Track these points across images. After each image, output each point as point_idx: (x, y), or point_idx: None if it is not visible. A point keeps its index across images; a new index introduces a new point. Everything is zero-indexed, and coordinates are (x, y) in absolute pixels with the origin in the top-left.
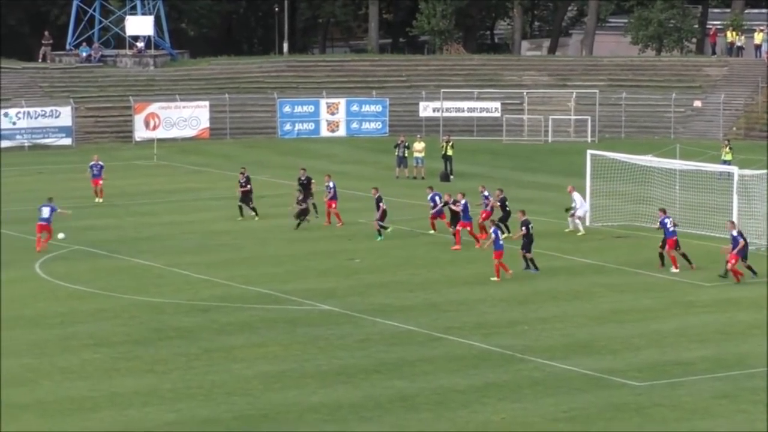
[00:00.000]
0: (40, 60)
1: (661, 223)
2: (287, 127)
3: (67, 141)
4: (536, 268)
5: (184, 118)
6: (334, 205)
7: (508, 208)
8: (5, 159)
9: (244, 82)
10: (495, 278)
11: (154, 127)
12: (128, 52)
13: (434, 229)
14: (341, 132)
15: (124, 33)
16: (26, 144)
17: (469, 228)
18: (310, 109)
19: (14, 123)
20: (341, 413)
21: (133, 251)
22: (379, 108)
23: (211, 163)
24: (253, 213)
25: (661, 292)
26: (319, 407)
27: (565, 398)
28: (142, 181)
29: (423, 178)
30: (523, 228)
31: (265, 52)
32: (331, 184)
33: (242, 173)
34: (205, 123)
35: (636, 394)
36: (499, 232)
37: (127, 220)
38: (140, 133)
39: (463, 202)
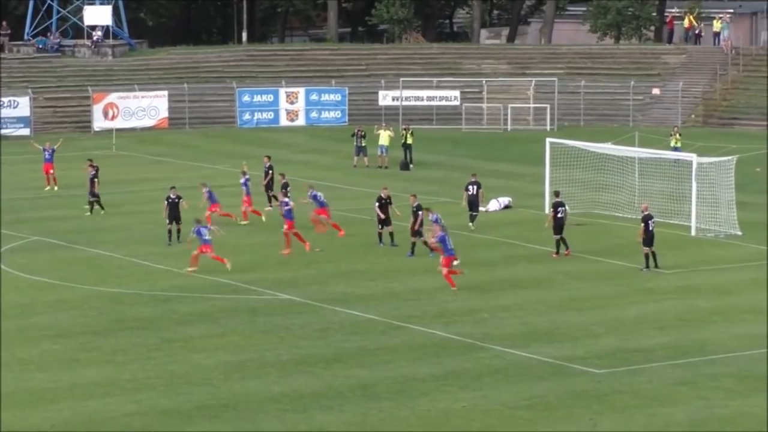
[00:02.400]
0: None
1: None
2: (246, 116)
3: (26, 131)
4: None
5: (142, 107)
6: (325, 215)
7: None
8: None
9: (203, 71)
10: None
11: (113, 117)
12: (86, 42)
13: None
14: (300, 121)
15: (83, 23)
16: None
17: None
18: (270, 98)
19: None
20: (302, 403)
21: (93, 242)
22: (338, 97)
23: (171, 152)
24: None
25: (621, 279)
26: (280, 397)
27: (526, 386)
28: (102, 171)
29: (387, 167)
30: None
31: (224, 42)
32: (317, 194)
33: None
34: (164, 113)
35: (596, 381)
36: (447, 238)
37: (87, 210)
38: (99, 123)
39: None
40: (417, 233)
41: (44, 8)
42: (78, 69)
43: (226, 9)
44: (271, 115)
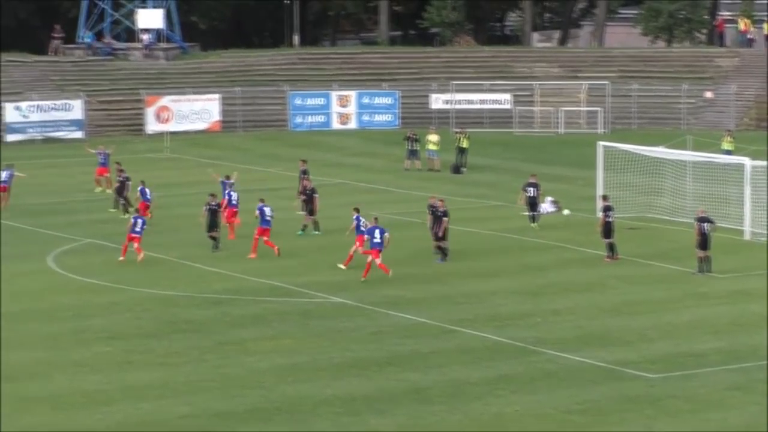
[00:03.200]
0: (51, 53)
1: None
2: (298, 119)
3: (79, 134)
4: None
5: (195, 110)
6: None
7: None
8: (17, 152)
9: (255, 74)
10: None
11: (166, 120)
12: (139, 45)
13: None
14: (352, 124)
15: (135, 26)
16: (38, 137)
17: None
18: (321, 101)
19: (26, 116)
20: (355, 406)
21: (146, 244)
22: (389, 100)
23: (223, 155)
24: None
25: (674, 283)
26: (333, 400)
27: (579, 390)
28: (154, 174)
29: (438, 170)
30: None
31: (276, 45)
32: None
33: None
34: (216, 116)
35: (649, 386)
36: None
37: (120, 212)
38: (152, 126)
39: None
40: (442, 236)
41: (97, 12)
42: (131, 72)
43: (278, 12)
44: (323, 119)
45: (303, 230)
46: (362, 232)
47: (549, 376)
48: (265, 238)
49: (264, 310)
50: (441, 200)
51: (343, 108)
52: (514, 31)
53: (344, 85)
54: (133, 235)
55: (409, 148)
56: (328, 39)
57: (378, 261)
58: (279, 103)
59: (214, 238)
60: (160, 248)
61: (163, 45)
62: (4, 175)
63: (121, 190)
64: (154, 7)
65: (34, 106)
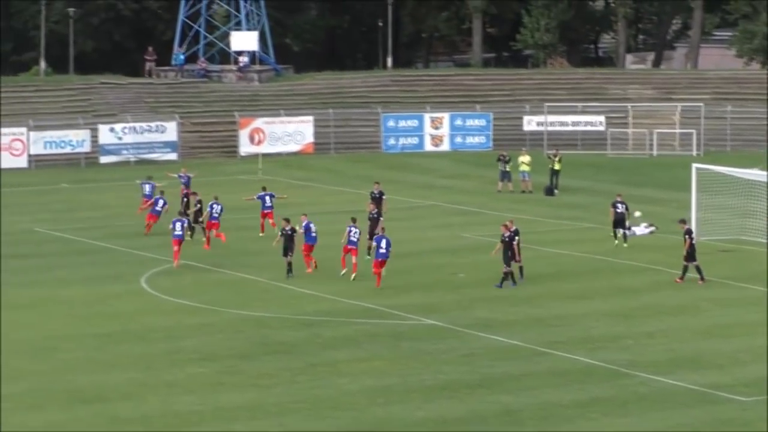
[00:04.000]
0: (146, 75)
1: None
2: (391, 141)
3: (173, 156)
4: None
5: (288, 132)
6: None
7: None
8: (111, 173)
9: (348, 96)
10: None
11: (259, 142)
12: (233, 67)
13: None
14: (445, 146)
15: (229, 48)
16: (132, 159)
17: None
18: (414, 123)
19: (120, 138)
20: (446, 428)
21: (238, 265)
22: (483, 122)
23: (316, 177)
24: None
25: None
26: (424, 422)
27: (672, 413)
28: (247, 196)
29: (531, 191)
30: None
31: (369, 67)
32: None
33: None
34: (310, 137)
35: (743, 410)
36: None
37: (232, 234)
38: (245, 147)
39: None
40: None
41: (191, 34)
42: (224, 94)
43: (371, 34)
44: (415, 141)
45: (369, 254)
46: (351, 242)
47: (641, 399)
48: (304, 254)
49: (356, 331)
50: (509, 222)
51: (436, 130)
52: (608, 52)
53: (437, 107)
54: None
55: (502, 169)
56: (421, 61)
57: (377, 269)
58: (372, 125)
59: (289, 264)
60: (252, 270)
61: (257, 67)
62: (148, 188)
63: (198, 215)
64: (249, 29)
65: (128, 127)
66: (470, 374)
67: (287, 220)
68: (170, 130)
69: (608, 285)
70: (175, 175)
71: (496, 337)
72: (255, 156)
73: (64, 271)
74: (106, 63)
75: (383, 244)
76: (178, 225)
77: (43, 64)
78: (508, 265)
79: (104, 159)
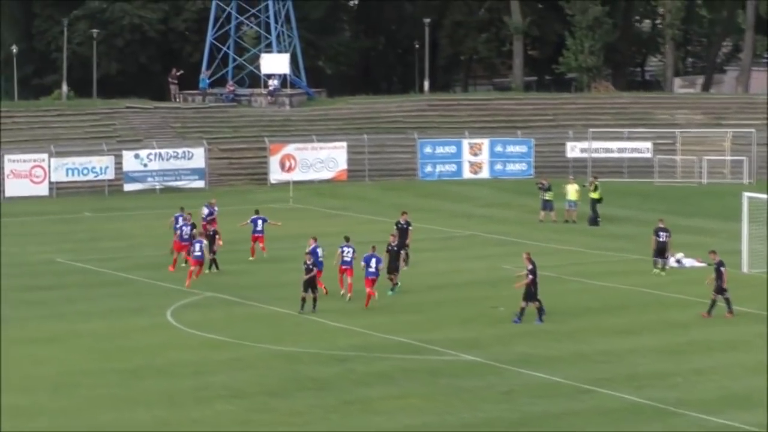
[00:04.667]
0: (172, 99)
1: None
2: (428, 168)
3: (200, 183)
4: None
5: (320, 159)
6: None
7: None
8: (136, 201)
9: (383, 121)
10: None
11: (290, 169)
12: (263, 91)
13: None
14: (484, 173)
15: (259, 71)
16: (157, 186)
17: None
18: (452, 149)
19: (145, 165)
20: None
21: (269, 298)
22: (524, 148)
23: (349, 206)
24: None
25: None
26: None
27: None
28: (279, 226)
29: (574, 221)
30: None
31: (405, 91)
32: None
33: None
34: (343, 164)
35: None
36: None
37: (262, 265)
38: (275, 175)
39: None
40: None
41: (220, 56)
42: (254, 119)
43: (407, 57)
44: (453, 168)
45: (392, 289)
46: (345, 262)
47: None
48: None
49: (391, 367)
50: (529, 258)
51: (475, 156)
52: (655, 76)
53: (476, 132)
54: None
55: (542, 198)
56: (460, 84)
57: (368, 289)
58: (408, 151)
59: (303, 300)
60: (283, 302)
61: (288, 91)
62: (206, 211)
63: (211, 245)
64: (280, 51)
65: (153, 154)
66: (510, 412)
67: (308, 254)
68: (197, 157)
69: (656, 319)
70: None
71: (537, 373)
72: (286, 183)
73: (86, 304)
74: (130, 86)
75: (372, 263)
76: (197, 246)
77: (65, 88)
78: (532, 301)
79: (128, 186)
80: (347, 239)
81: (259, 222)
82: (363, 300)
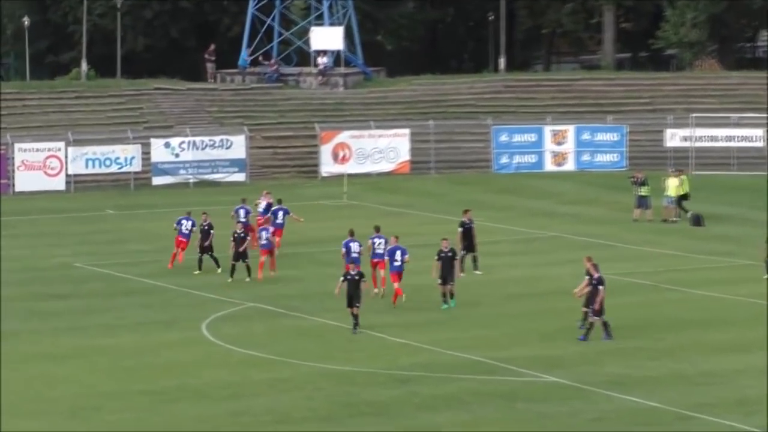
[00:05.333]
0: (208, 80)
1: None
2: (504, 159)
3: (240, 176)
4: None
5: (379, 149)
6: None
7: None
8: (165, 197)
9: (451, 105)
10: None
11: (344, 160)
12: (313, 70)
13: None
14: (569, 165)
15: (309, 47)
16: (191, 180)
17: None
18: (532, 137)
19: (177, 155)
20: None
21: (319, 309)
22: (615, 136)
23: (412, 203)
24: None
25: None
26: None
27: None
28: (330, 225)
29: (675, 221)
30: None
31: (478, 70)
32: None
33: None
34: (405, 155)
35: None
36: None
37: (312, 271)
38: (327, 167)
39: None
40: (596, 311)
41: (263, 30)
42: (303, 102)
43: (480, 31)
44: (533, 158)
45: (445, 302)
46: (377, 255)
47: None
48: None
49: (460, 390)
50: (593, 264)
51: (559, 146)
52: None
53: (560, 118)
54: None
55: (637, 193)
56: (541, 62)
57: (396, 285)
58: (481, 139)
59: (355, 317)
60: (335, 314)
61: (342, 70)
62: (242, 214)
63: (204, 244)
64: (332, 24)
65: (186, 142)
66: None
67: (353, 263)
68: (237, 146)
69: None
70: (261, 203)
71: (630, 397)
72: (339, 177)
73: (108, 315)
74: (160, 64)
75: (398, 255)
76: (263, 234)
77: (84, 66)
78: (595, 314)
79: (157, 180)
80: (377, 229)
81: (280, 213)
82: (419, 309)
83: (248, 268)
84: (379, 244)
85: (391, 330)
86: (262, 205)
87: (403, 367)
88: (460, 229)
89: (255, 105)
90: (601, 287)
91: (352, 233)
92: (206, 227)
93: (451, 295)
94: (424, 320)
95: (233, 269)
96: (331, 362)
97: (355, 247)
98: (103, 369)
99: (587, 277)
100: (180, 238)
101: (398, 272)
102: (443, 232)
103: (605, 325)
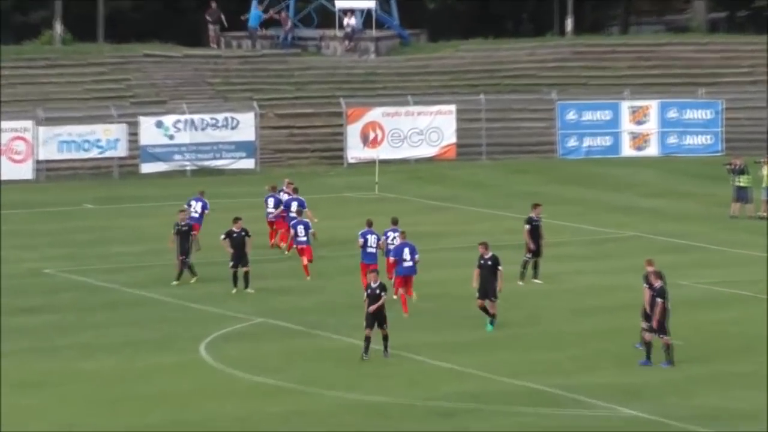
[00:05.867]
0: (209, 45)
1: None
2: (572, 142)
3: (249, 163)
4: None
5: (419, 129)
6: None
7: None
8: (157, 188)
9: (508, 76)
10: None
11: (375, 143)
12: (338, 33)
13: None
14: (652, 149)
15: (333, 5)
16: (188, 167)
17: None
18: (606, 115)
19: (172, 137)
20: None
21: (343, 326)
22: (708, 114)
23: (459, 195)
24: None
25: None
26: None
27: None
28: (357, 223)
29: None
30: None
31: (539, 33)
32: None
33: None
34: (451, 137)
35: None
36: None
37: (336, 280)
38: (355, 151)
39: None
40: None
41: None
42: (325, 73)
43: None
44: (608, 141)
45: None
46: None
47: None
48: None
49: (518, 425)
50: (655, 270)
51: (639, 125)
52: None
53: (640, 91)
54: (301, 245)
55: (736, 184)
56: (617, 24)
57: (400, 290)
58: (543, 118)
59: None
60: (361, 332)
61: (374, 33)
62: (272, 203)
63: (184, 246)
64: None
65: (183, 121)
66: None
67: (374, 272)
68: (245, 125)
69: None
70: (285, 193)
71: None
72: (369, 163)
73: (87, 334)
74: (151, 27)
75: (406, 254)
76: (300, 228)
77: (59, 28)
78: (662, 334)
79: (147, 167)
80: (395, 222)
81: (294, 204)
82: (465, 326)
83: (247, 277)
84: (394, 238)
85: (432, 351)
86: (283, 197)
87: (447, 397)
88: (527, 227)
89: (267, 76)
90: (660, 300)
91: (370, 224)
92: (185, 227)
93: (491, 316)
94: (472, 339)
95: (235, 277)
96: (359, 391)
97: (372, 240)
98: (81, 400)
99: (645, 286)
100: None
101: (408, 275)
102: (499, 231)
103: (667, 348)
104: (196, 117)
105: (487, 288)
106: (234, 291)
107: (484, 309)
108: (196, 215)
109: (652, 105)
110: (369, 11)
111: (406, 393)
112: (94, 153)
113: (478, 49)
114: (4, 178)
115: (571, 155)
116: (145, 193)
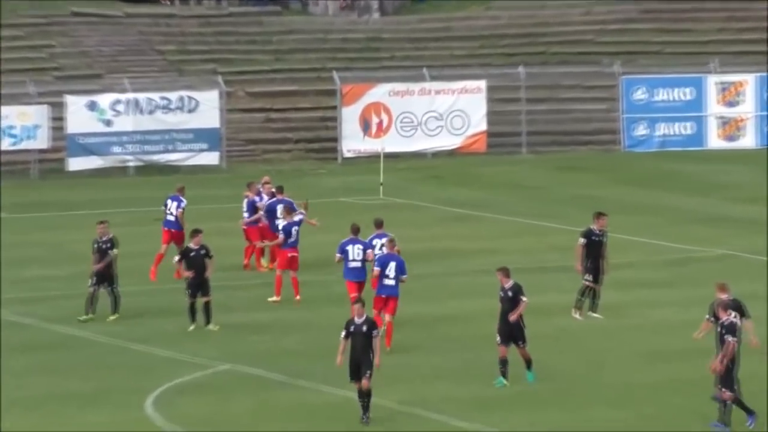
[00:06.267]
0: (162, 1)
1: None
2: (641, 130)
3: (212, 157)
4: None
5: (437, 113)
6: None
7: None
8: (89, 190)
9: (555, 42)
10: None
11: (381, 130)
12: None
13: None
14: (748, 140)
15: None
16: (131, 162)
17: None
18: (687, 94)
19: (109, 122)
20: None
21: (334, 374)
22: None
23: (489, 200)
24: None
25: None
26: None
27: None
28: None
29: None
30: None
31: None
32: None
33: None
34: (479, 123)
35: None
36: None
37: (324, 311)
38: (351, 142)
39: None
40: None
41: None
42: (313, 38)
43: None
44: (688, 128)
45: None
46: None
47: None
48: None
49: None
50: (724, 301)
51: (730, 107)
52: None
53: (732, 62)
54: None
55: None
56: None
57: (388, 318)
58: (602, 98)
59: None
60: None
61: None
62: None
63: (104, 272)
64: None
65: (124, 102)
66: None
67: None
68: (207, 107)
69: None
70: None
71: None
72: (372, 157)
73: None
74: None
75: (391, 269)
76: (294, 229)
77: None
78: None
79: (76, 163)
80: (379, 225)
81: (279, 207)
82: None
83: (208, 309)
84: (382, 246)
85: (453, 407)
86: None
87: None
88: (582, 241)
89: (236, 42)
90: (730, 338)
91: (356, 230)
92: (105, 244)
93: (527, 363)
94: (509, 393)
95: (192, 309)
96: None
97: (355, 251)
98: None
99: (708, 318)
100: (165, 230)
101: (388, 297)
102: (541, 248)
103: (737, 403)
104: (142, 96)
105: (512, 329)
106: (191, 328)
107: (505, 361)
108: (172, 218)
109: (748, 80)
110: None
111: None
112: (5, 144)
113: (515, 6)
114: None
115: (640, 147)
116: (74, 197)
